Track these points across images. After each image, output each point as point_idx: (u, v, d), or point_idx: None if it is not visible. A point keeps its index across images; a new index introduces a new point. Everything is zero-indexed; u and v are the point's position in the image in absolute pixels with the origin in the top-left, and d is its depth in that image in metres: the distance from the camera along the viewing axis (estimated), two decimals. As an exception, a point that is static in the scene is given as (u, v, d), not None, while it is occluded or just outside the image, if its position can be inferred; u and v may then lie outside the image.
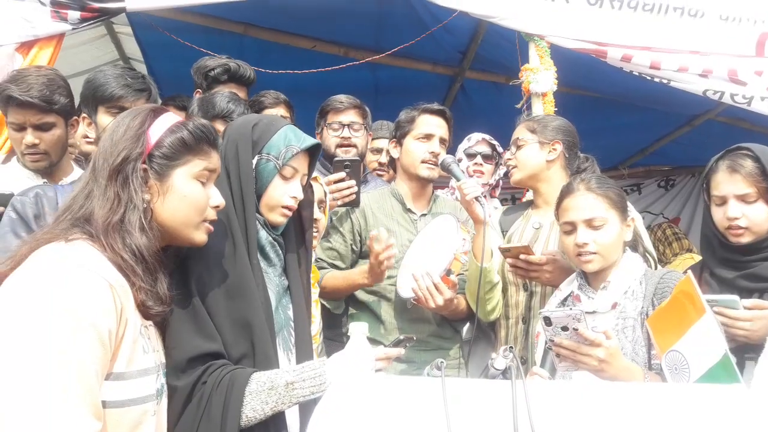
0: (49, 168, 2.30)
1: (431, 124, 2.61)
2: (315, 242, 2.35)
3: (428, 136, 2.59)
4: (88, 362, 1.17)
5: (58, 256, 1.24)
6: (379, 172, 3.33)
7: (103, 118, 2.12)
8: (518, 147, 2.49)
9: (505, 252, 2.26)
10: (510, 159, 2.53)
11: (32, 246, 1.28)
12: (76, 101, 2.37)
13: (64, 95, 2.25)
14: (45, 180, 2.29)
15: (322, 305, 2.43)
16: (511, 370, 1.23)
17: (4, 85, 2.20)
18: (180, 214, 1.43)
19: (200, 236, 1.49)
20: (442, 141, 2.61)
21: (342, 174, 2.51)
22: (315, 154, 1.79)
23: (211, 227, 1.51)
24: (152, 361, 1.36)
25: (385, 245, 2.24)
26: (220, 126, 2.40)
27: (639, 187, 6.21)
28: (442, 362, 1.29)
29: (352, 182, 2.51)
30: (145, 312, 1.34)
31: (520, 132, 2.51)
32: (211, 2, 3.04)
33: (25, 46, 2.78)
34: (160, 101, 2.65)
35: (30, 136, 2.23)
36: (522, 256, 2.21)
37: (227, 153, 1.68)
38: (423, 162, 2.57)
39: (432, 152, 2.57)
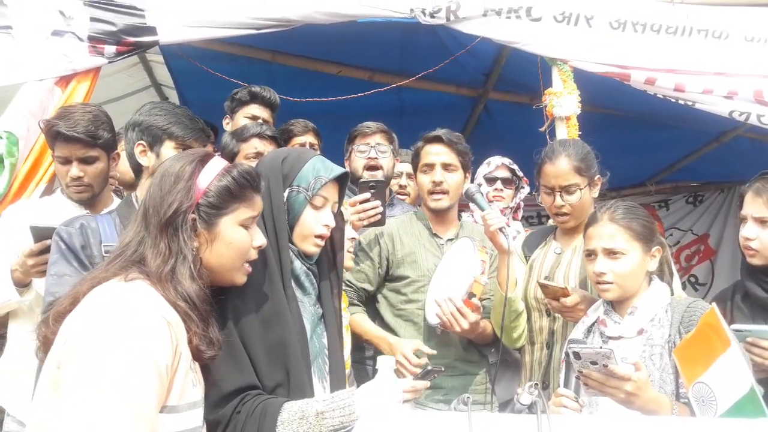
0: (91, 199, 2.41)
1: (430, 153, 2.63)
2: (350, 262, 2.41)
3: (429, 166, 2.62)
4: (148, 396, 1.23)
5: (118, 295, 1.31)
6: (400, 195, 3.38)
7: (167, 152, 2.15)
8: (570, 193, 2.40)
9: (544, 288, 2.27)
10: (562, 206, 2.42)
11: (91, 284, 1.35)
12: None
13: (107, 131, 2.36)
14: (87, 211, 2.39)
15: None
16: (537, 405, 1.25)
17: (53, 121, 2.32)
18: (226, 259, 1.50)
19: (242, 278, 1.56)
20: (445, 167, 2.59)
21: (367, 195, 2.53)
22: (344, 182, 1.85)
23: (250, 268, 1.57)
24: (199, 394, 1.42)
25: (415, 361, 2.32)
26: (257, 144, 2.60)
27: (667, 203, 6.15)
28: (468, 398, 1.32)
29: (377, 202, 2.52)
30: (198, 356, 1.40)
31: (571, 176, 2.39)
32: (241, 34, 3.12)
33: (64, 80, 2.90)
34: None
35: (75, 169, 2.34)
36: (562, 300, 2.20)
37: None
38: (429, 193, 2.61)
39: (434, 182, 2.58)
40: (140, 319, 1.27)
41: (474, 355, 2.55)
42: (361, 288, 2.61)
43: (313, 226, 1.74)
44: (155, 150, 2.15)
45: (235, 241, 1.50)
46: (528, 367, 2.45)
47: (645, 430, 1.32)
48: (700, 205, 6.10)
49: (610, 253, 1.98)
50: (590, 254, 2.04)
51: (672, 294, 2.08)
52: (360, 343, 2.60)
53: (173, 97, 4.63)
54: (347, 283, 2.58)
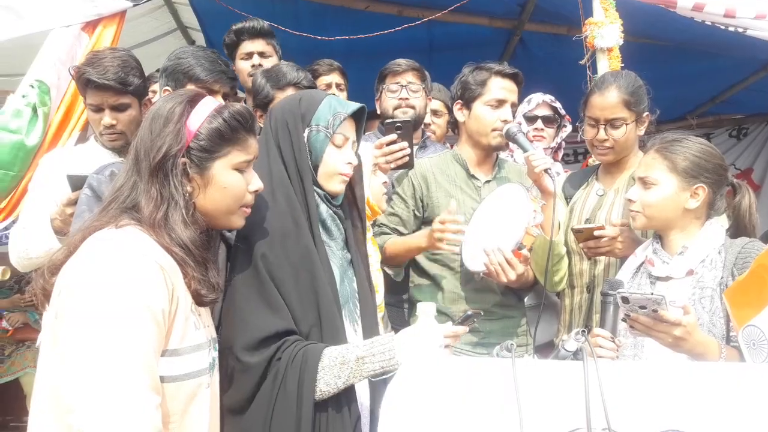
0: (125, 146, 2.39)
1: (504, 89, 2.48)
2: (385, 205, 2.36)
3: (501, 102, 2.47)
4: (145, 341, 1.25)
5: (109, 243, 1.30)
6: (428, 132, 3.29)
7: None
8: (616, 127, 2.29)
9: (578, 234, 2.21)
10: (605, 140, 2.31)
11: (84, 234, 1.34)
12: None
13: (137, 76, 2.33)
14: (122, 158, 2.38)
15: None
16: (583, 352, 1.23)
17: (83, 68, 2.29)
18: (221, 204, 1.47)
19: (239, 221, 1.53)
20: (513, 107, 2.51)
21: (393, 136, 2.43)
22: (361, 120, 1.81)
23: (249, 210, 1.54)
24: (203, 337, 1.43)
25: (451, 219, 2.22)
26: (291, 92, 2.46)
27: (709, 138, 5.89)
28: (512, 344, 1.30)
29: (404, 144, 2.43)
30: (198, 300, 1.40)
31: (618, 110, 2.28)
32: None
33: (90, 26, 2.87)
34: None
35: (107, 117, 2.33)
36: (596, 233, 2.15)
37: (278, 131, 1.71)
38: (494, 130, 2.47)
39: (504, 120, 2.46)
40: (132, 266, 1.27)
41: (512, 299, 2.51)
42: (395, 230, 2.55)
43: (336, 163, 1.71)
44: None
45: (229, 185, 1.47)
46: (568, 311, 2.42)
47: (691, 376, 1.28)
48: (744, 139, 5.86)
49: (643, 181, 1.94)
50: (633, 181, 2.01)
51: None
52: (396, 287, 2.58)
53: (200, 39, 4.55)
54: (381, 226, 2.54)
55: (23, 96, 2.66)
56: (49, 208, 2.31)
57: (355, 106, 1.74)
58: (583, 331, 1.38)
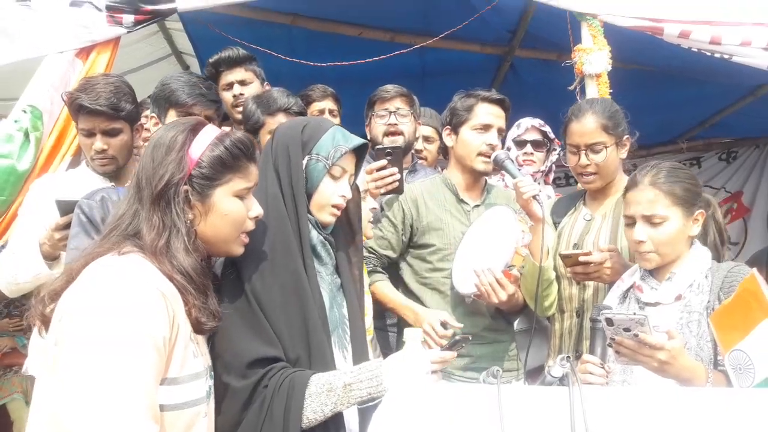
0: (116, 171, 2.42)
1: (490, 114, 2.53)
2: (372, 231, 2.37)
3: (486, 127, 2.51)
4: (146, 369, 1.24)
5: (111, 270, 1.30)
6: (419, 157, 3.30)
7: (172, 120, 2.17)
8: (596, 152, 2.32)
9: (566, 259, 2.22)
10: (587, 165, 2.34)
11: (86, 260, 1.34)
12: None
13: (129, 102, 2.35)
14: (113, 183, 2.39)
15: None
16: (569, 377, 1.23)
17: (75, 94, 2.31)
18: (222, 231, 1.48)
19: (238, 248, 1.54)
20: (499, 132, 2.55)
21: (383, 162, 2.47)
22: (362, 154, 1.82)
23: (247, 239, 1.55)
24: (201, 365, 1.43)
25: (442, 333, 2.27)
26: (282, 119, 2.49)
27: (699, 161, 5.97)
28: (498, 370, 1.30)
29: (395, 170, 2.47)
30: (198, 327, 1.40)
31: (597, 135, 2.31)
32: (259, -3, 3.04)
33: (84, 52, 2.88)
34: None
35: (99, 142, 2.34)
36: (582, 258, 2.16)
37: (278, 155, 1.72)
38: (480, 155, 2.51)
39: (489, 144, 2.50)
40: (134, 293, 1.27)
41: (501, 323, 2.52)
42: (383, 255, 2.57)
43: (330, 195, 1.72)
44: (163, 120, 2.15)
45: (230, 212, 1.48)
46: (558, 336, 2.42)
47: (678, 402, 1.28)
48: (734, 162, 5.91)
49: (650, 219, 1.90)
50: (630, 220, 1.97)
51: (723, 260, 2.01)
52: (382, 311, 2.58)
53: (194, 65, 4.58)
54: (369, 250, 2.55)
55: (15, 121, 2.68)
56: (38, 233, 2.31)
57: (357, 141, 1.75)
58: (569, 357, 1.39)
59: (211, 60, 3.00)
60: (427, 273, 2.51)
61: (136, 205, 1.42)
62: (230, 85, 2.93)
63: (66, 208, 2.18)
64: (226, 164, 1.46)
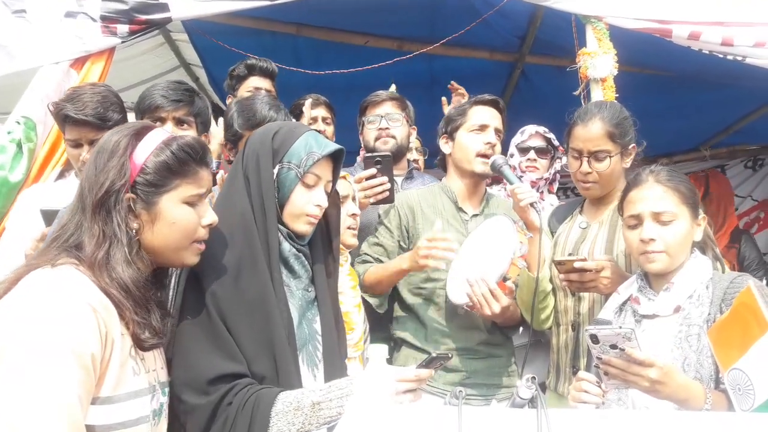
0: None
1: (485, 114, 2.47)
2: (353, 239, 2.28)
3: (483, 127, 2.45)
4: (68, 386, 1.17)
5: (40, 283, 1.24)
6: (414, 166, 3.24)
7: None
8: (599, 160, 2.21)
9: (559, 265, 2.10)
10: (588, 173, 2.23)
11: (21, 273, 1.28)
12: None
13: (117, 111, 2.31)
14: None
15: (368, 304, 2.37)
16: (537, 399, 1.13)
17: (61, 104, 2.28)
18: (170, 240, 1.41)
19: (191, 258, 1.47)
20: (497, 132, 2.47)
21: (372, 170, 2.40)
22: (339, 160, 1.73)
23: (203, 246, 1.48)
24: (144, 383, 1.35)
25: (441, 236, 2.15)
26: None
27: (723, 169, 5.77)
28: (460, 391, 1.20)
29: (384, 178, 2.40)
30: (139, 344, 1.33)
31: (602, 142, 2.20)
32: (255, 6, 3.02)
33: (79, 62, 2.88)
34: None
35: (86, 153, 2.30)
36: (577, 264, 2.03)
37: (248, 164, 1.65)
38: (479, 155, 2.43)
39: (488, 143, 2.42)
40: (60, 307, 1.20)
41: (498, 337, 2.41)
42: (377, 260, 2.47)
43: (303, 205, 1.63)
44: None
45: (178, 220, 1.40)
46: (555, 350, 2.30)
47: (654, 426, 1.17)
48: (761, 170, 5.70)
49: (660, 217, 1.78)
50: (635, 220, 1.83)
51: (723, 270, 1.88)
52: (378, 323, 2.48)
53: (203, 76, 4.59)
54: (365, 256, 2.47)
55: (8, 132, 2.67)
56: (23, 243, 2.28)
57: (332, 147, 1.67)
58: (534, 377, 1.28)
59: (248, 62, 3.10)
60: (421, 283, 2.42)
61: (78, 214, 1.35)
62: (257, 90, 2.98)
63: (51, 217, 2.14)
64: (172, 170, 1.39)
